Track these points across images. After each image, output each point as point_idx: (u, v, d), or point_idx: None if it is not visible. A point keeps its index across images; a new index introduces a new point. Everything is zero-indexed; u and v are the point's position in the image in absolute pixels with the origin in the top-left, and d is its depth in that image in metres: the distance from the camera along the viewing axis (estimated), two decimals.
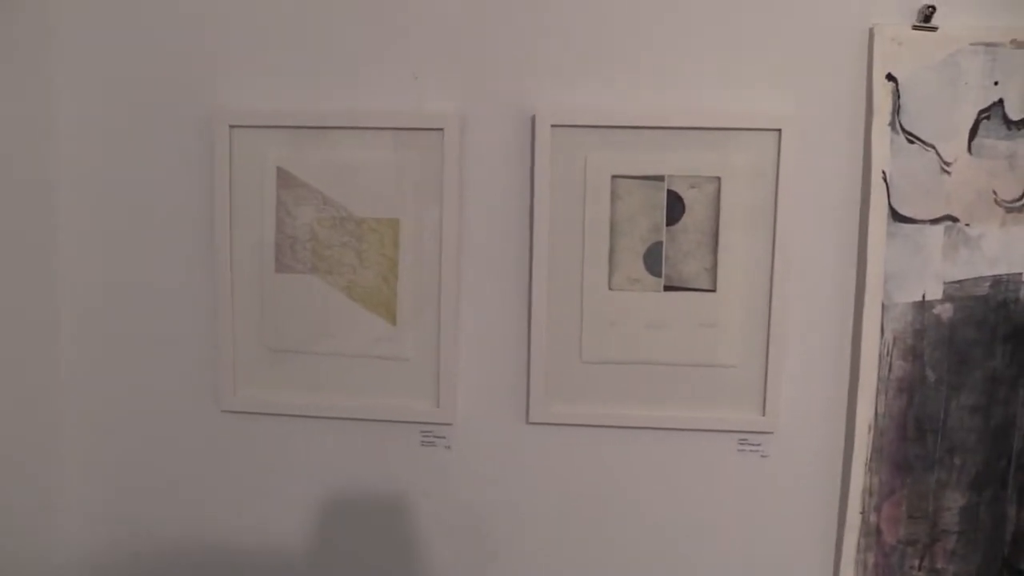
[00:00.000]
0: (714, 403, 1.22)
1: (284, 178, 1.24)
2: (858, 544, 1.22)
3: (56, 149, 1.27)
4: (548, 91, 1.20)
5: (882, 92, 1.15)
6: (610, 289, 1.22)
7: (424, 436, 1.28)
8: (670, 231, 1.20)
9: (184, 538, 1.34)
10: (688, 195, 1.19)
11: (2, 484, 1.21)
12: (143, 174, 1.28)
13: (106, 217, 1.30)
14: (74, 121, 1.28)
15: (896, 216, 1.16)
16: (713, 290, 1.20)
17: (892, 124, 1.15)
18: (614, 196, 1.20)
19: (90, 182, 1.29)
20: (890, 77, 1.14)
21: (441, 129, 1.20)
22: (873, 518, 1.21)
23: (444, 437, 1.28)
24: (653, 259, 1.20)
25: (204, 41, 1.24)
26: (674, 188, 1.19)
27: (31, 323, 1.26)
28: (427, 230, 1.23)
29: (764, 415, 1.21)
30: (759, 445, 1.23)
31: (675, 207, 1.19)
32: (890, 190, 1.16)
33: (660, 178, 1.19)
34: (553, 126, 1.18)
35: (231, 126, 1.23)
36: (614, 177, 1.19)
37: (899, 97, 1.15)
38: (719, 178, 1.18)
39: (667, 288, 1.21)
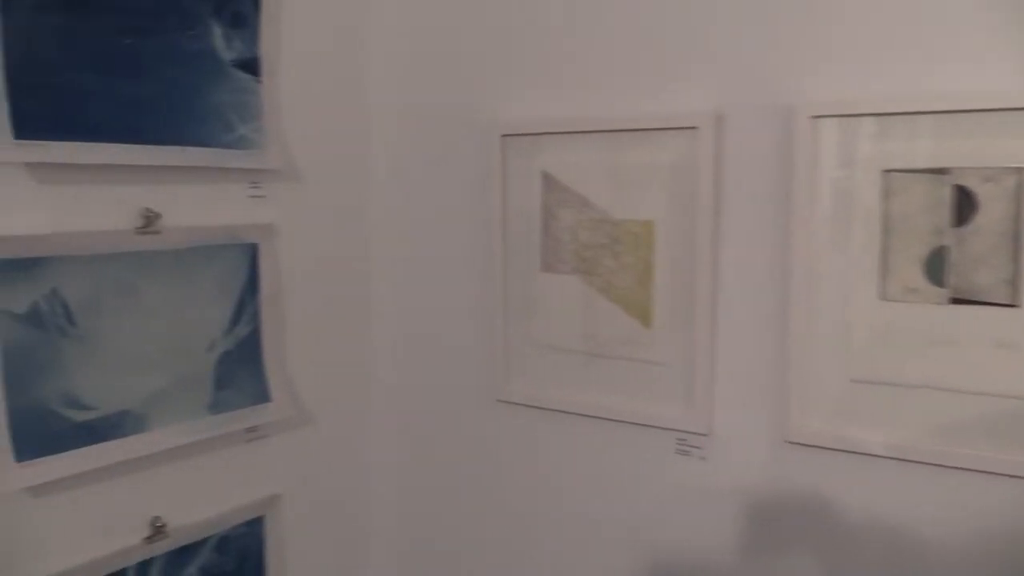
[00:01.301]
0: (1021, 443, 1.01)
1: (549, 182, 1.30)
2: None
3: (371, 156, 1.49)
4: (807, 80, 1.08)
5: None
6: (882, 299, 1.06)
7: (679, 444, 1.24)
8: (958, 233, 1.01)
9: (459, 512, 1.48)
10: (982, 190, 0.99)
11: (322, 467, 1.45)
12: (440, 182, 1.43)
13: (408, 219, 1.48)
14: (386, 130, 1.48)
15: None
16: (1015, 304, 0.99)
17: None
18: (887, 193, 1.05)
19: (398, 198, 1.48)
20: None
21: (695, 127, 1.16)
22: None
23: (700, 447, 1.22)
24: (936, 266, 1.03)
25: (484, 62, 1.35)
26: (963, 182, 1.00)
27: (348, 312, 1.49)
28: (681, 232, 1.19)
29: None
30: None
31: (965, 205, 1.00)
32: None
33: (945, 171, 1.01)
34: (812, 117, 1.06)
35: (503, 135, 1.32)
36: (886, 171, 1.04)
37: None
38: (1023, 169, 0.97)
39: (954, 300, 1.02)
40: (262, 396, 1.30)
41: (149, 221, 1.13)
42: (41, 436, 1.04)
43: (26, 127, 0.99)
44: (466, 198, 1.39)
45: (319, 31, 1.38)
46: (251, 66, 1.25)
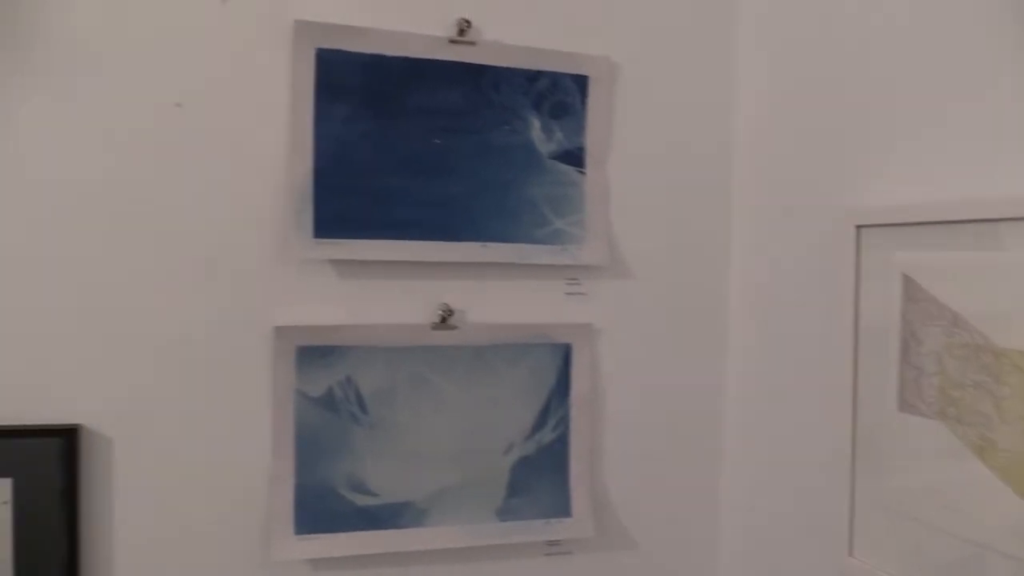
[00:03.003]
0: None
1: (911, 289, 0.94)
2: None
3: (710, 251, 1.29)
4: None
5: None
6: None
7: None
8: None
9: None
10: None
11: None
12: (789, 284, 1.17)
13: (751, 323, 1.24)
14: (736, 219, 1.27)
15: None
16: None
17: None
18: None
19: (740, 299, 1.27)
20: None
21: None
22: None
23: None
24: None
25: (843, 140, 1.07)
26: None
27: (682, 426, 1.29)
28: None
29: None
30: None
31: None
32: None
33: None
34: None
35: (857, 226, 1.01)
36: None
37: None
38: None
39: None
40: (561, 509, 1.19)
41: (445, 317, 1.14)
42: (322, 514, 1.10)
43: (328, 227, 1.08)
44: (813, 304, 1.11)
45: (656, 116, 1.24)
46: (573, 157, 1.19)
